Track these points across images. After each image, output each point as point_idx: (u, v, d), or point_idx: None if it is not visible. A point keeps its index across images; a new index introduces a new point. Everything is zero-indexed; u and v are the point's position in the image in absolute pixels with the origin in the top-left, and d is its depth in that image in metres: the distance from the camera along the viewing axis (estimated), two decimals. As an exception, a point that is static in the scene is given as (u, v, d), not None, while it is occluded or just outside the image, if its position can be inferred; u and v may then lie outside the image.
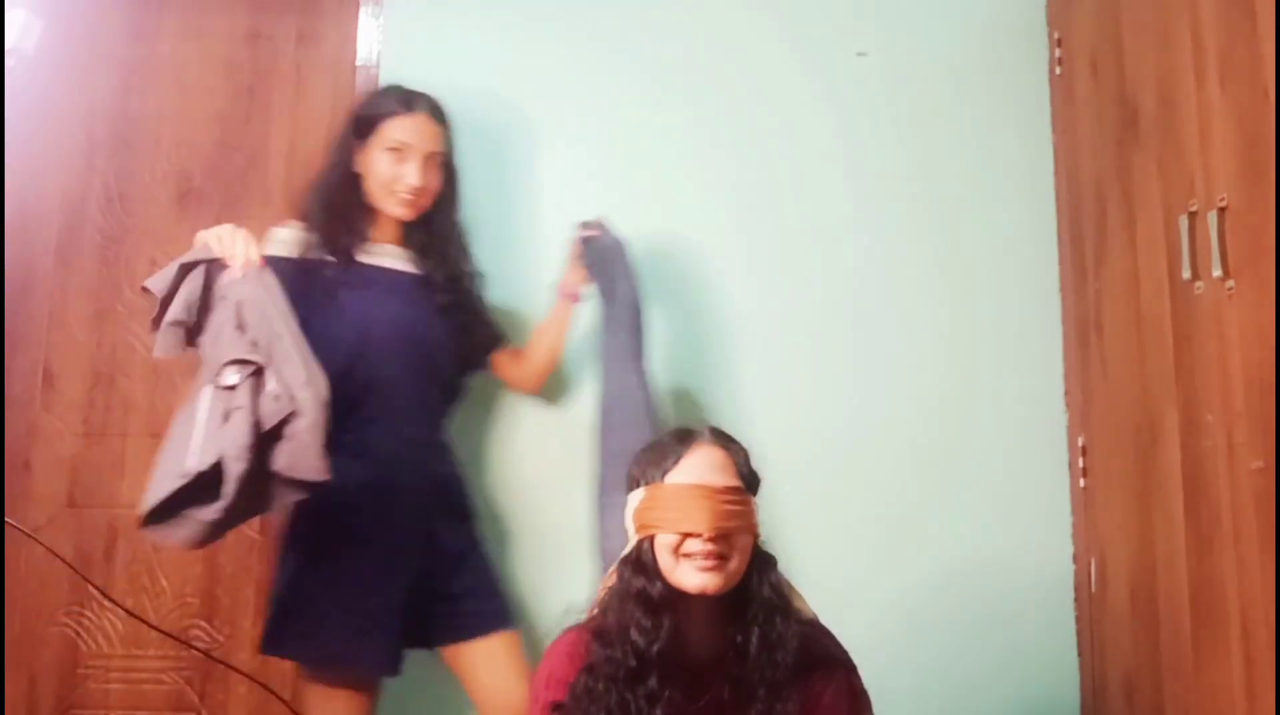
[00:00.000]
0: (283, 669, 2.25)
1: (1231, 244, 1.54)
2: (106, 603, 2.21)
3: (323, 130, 2.43)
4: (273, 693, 2.10)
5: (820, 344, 2.28)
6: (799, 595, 1.51)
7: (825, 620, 1.54)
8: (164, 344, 1.68)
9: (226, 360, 1.61)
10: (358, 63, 2.44)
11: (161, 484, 1.57)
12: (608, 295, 2.00)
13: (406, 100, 1.98)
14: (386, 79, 2.38)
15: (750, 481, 1.47)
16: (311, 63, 2.48)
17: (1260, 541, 1.46)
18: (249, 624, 2.27)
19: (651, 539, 1.42)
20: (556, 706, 1.42)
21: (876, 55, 2.38)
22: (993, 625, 2.18)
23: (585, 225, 2.05)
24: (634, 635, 1.39)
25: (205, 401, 1.61)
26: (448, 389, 2.04)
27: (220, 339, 1.64)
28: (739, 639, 1.40)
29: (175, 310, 1.67)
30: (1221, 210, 1.56)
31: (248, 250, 1.71)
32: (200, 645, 2.23)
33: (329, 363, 1.72)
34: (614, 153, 2.35)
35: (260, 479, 1.60)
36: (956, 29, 2.39)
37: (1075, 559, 2.19)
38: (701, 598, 1.40)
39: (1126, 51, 1.96)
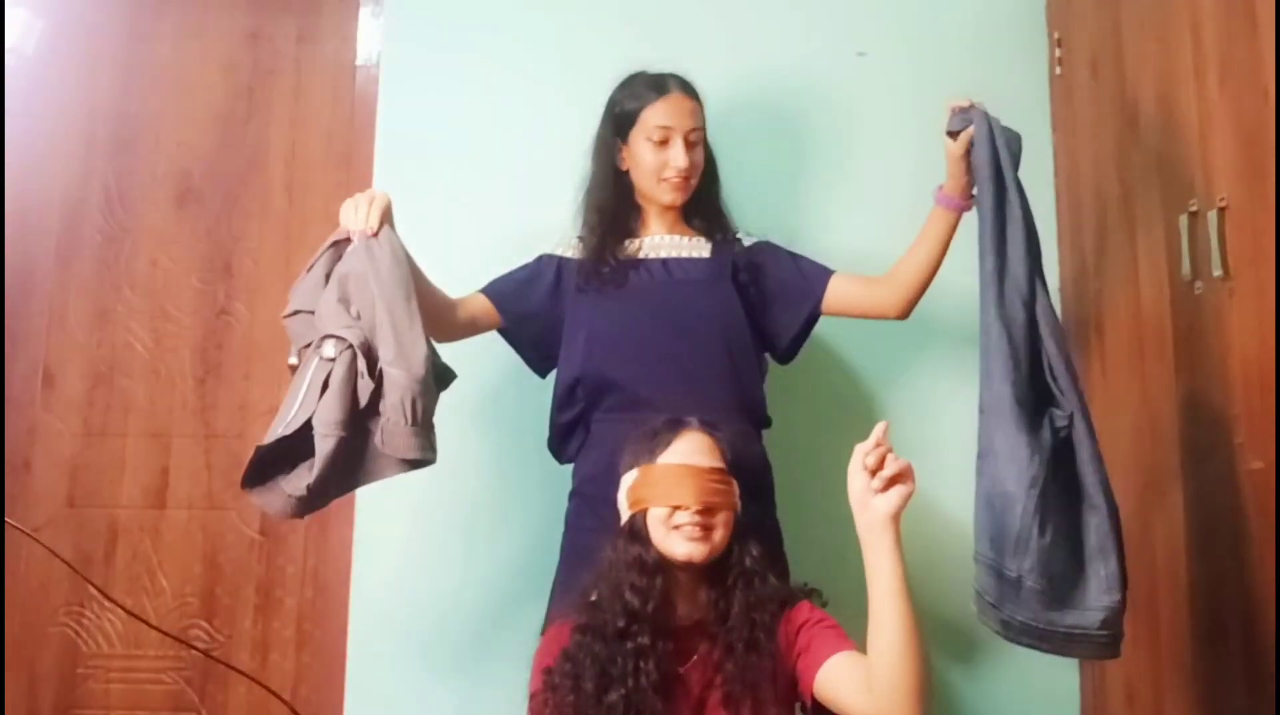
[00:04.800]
0: (283, 669, 2.26)
1: (1231, 244, 1.54)
2: (106, 603, 2.21)
3: (323, 130, 2.44)
4: (272, 693, 2.10)
5: (819, 344, 2.28)
6: (770, 573, 1.60)
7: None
8: (293, 332, 1.70)
9: (324, 333, 1.62)
10: (358, 63, 2.45)
11: (259, 451, 1.59)
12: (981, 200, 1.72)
13: (657, 84, 1.93)
14: (386, 79, 2.39)
15: (733, 465, 1.60)
16: (311, 63, 2.48)
17: (1260, 541, 1.46)
18: (249, 624, 2.27)
19: (644, 513, 1.54)
20: (547, 670, 1.50)
21: (876, 55, 2.38)
22: (993, 625, 2.18)
23: (960, 111, 1.84)
24: (628, 595, 1.50)
25: (309, 372, 1.61)
26: (746, 367, 1.91)
27: (325, 312, 1.65)
28: (720, 603, 1.53)
29: (296, 298, 1.70)
30: (1221, 210, 1.56)
31: (369, 218, 1.69)
32: (200, 645, 2.23)
33: (575, 365, 1.87)
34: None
35: (361, 452, 1.60)
36: (956, 29, 2.39)
37: (1075, 559, 2.19)
38: (687, 568, 1.53)
39: (1126, 51, 1.96)
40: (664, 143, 1.90)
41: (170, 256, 2.40)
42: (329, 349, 1.61)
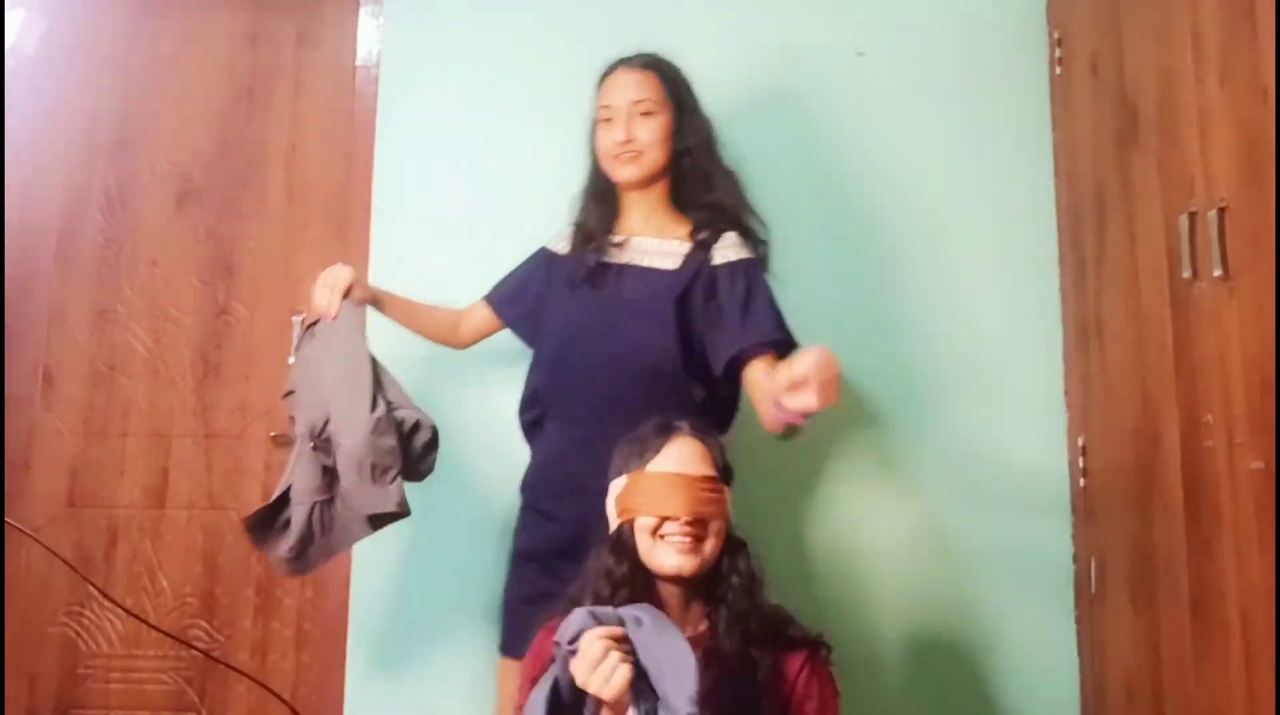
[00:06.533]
0: (283, 669, 2.26)
1: (1231, 244, 1.54)
2: (106, 603, 2.21)
3: (323, 130, 2.44)
4: (272, 693, 2.10)
5: (819, 344, 2.28)
6: (764, 585, 1.56)
7: (826, 625, 1.57)
8: (287, 409, 1.85)
9: (290, 413, 1.80)
10: (358, 63, 2.44)
11: (245, 521, 1.78)
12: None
13: (613, 63, 1.90)
14: (386, 79, 2.39)
15: (725, 472, 1.56)
16: (311, 63, 2.48)
17: (1260, 541, 1.46)
18: (249, 624, 2.27)
19: (631, 522, 1.50)
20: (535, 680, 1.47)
21: (876, 55, 2.38)
22: (993, 626, 2.18)
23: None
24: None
25: (295, 448, 1.78)
26: (676, 394, 1.77)
27: (301, 388, 1.81)
28: (712, 615, 1.49)
29: (290, 380, 1.85)
30: (1221, 210, 1.55)
31: (329, 300, 1.79)
32: (200, 645, 2.23)
33: (531, 371, 1.90)
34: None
35: (341, 516, 1.76)
36: (956, 29, 2.39)
37: (1075, 559, 2.19)
38: (676, 580, 1.48)
39: (1126, 51, 1.96)
40: (609, 121, 1.86)
41: (170, 256, 2.41)
42: (298, 426, 1.77)
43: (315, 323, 1.83)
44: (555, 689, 1.34)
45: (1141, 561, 1.88)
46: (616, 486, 1.55)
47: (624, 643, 1.31)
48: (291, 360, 1.88)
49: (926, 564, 2.21)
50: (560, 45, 2.40)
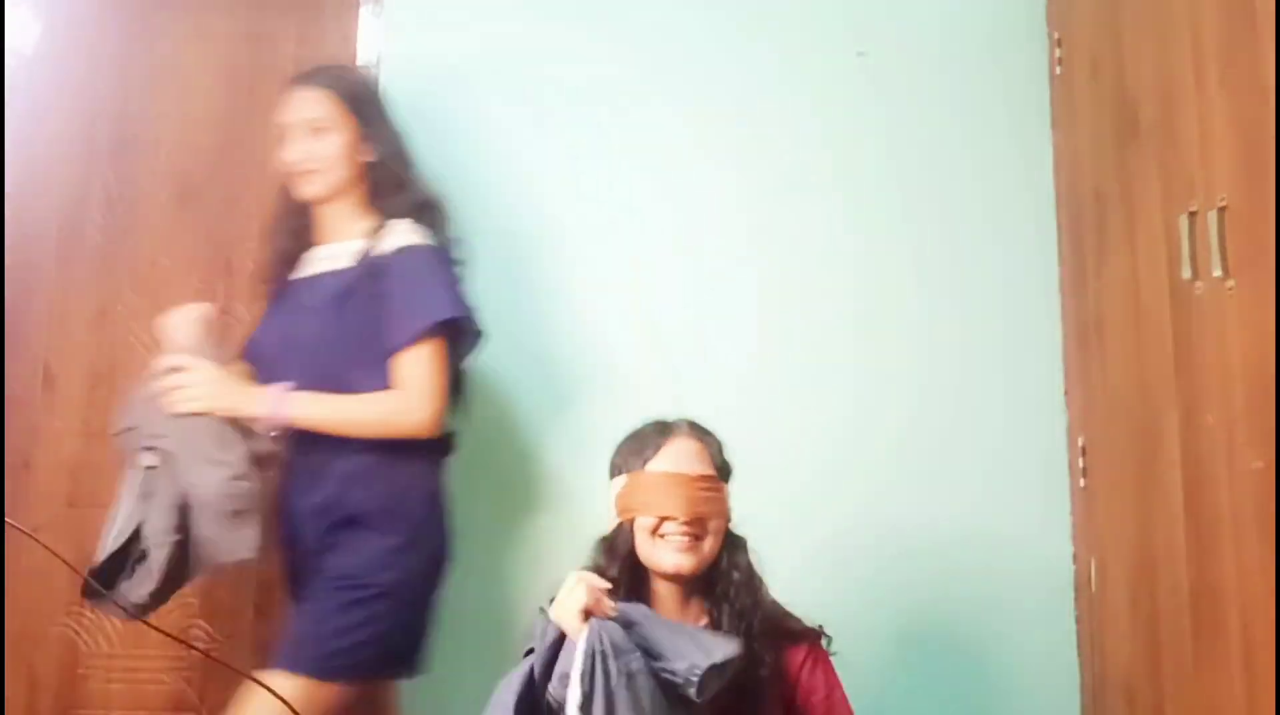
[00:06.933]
0: (283, 669, 2.25)
1: (1231, 244, 1.54)
2: (107, 603, 2.20)
3: (323, 130, 2.43)
4: (273, 692, 2.08)
5: (819, 345, 2.28)
6: (763, 582, 1.57)
7: (826, 625, 1.58)
8: (124, 447, 1.74)
9: (144, 445, 1.69)
10: (358, 63, 2.44)
11: (91, 572, 1.67)
12: None
13: (293, 83, 1.93)
14: (387, 79, 2.39)
15: (723, 470, 1.58)
16: (312, 63, 2.46)
17: (1260, 541, 1.46)
18: (249, 624, 2.27)
19: (631, 522, 1.52)
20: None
21: (876, 55, 2.38)
22: (993, 626, 2.18)
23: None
24: None
25: (130, 483, 1.70)
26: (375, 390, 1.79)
27: (148, 422, 1.71)
28: (713, 613, 1.51)
29: (128, 416, 1.75)
30: (1221, 210, 1.56)
31: (190, 336, 1.77)
32: (200, 645, 2.22)
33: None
34: (613, 153, 2.36)
35: (190, 551, 1.69)
36: (956, 29, 2.39)
37: (1075, 559, 2.19)
38: (675, 579, 1.50)
39: (1126, 51, 1.96)
40: (286, 139, 1.90)
41: (170, 256, 2.40)
42: (150, 458, 1.68)
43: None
44: (529, 681, 1.35)
45: (1141, 561, 1.88)
46: (616, 486, 1.57)
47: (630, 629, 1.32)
48: (127, 402, 1.79)
49: (926, 564, 2.21)
50: (558, 46, 2.40)
